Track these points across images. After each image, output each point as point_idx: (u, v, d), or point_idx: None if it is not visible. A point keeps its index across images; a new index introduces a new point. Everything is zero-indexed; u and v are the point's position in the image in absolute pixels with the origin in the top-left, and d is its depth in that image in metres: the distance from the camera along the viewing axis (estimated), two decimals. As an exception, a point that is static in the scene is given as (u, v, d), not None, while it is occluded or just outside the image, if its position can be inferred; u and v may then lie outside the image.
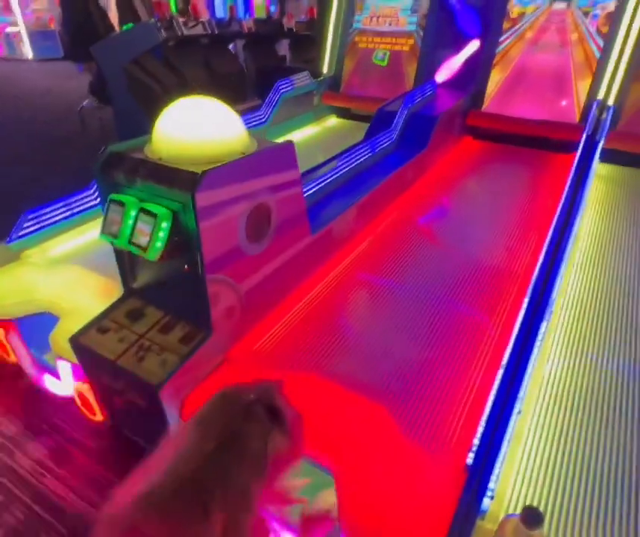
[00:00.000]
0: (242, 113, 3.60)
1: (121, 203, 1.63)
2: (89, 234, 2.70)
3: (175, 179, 1.56)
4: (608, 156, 3.34)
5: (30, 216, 2.46)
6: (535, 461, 1.45)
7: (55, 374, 2.24)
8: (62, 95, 8.86)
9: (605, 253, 2.53)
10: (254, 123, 4.12)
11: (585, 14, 3.92)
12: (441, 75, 4.42)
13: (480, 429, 1.41)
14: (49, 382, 2.27)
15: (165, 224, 1.55)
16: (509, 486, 1.39)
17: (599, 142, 2.93)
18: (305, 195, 2.21)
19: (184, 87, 6.25)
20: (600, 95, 3.64)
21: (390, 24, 4.78)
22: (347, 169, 2.91)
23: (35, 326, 2.32)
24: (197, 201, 1.49)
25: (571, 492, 1.36)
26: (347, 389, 1.68)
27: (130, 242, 1.60)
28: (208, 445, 0.78)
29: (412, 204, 3.20)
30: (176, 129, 1.65)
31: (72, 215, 2.64)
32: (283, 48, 8.87)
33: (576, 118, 3.83)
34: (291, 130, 4.52)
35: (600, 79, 3.63)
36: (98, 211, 2.77)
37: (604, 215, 2.92)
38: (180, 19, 6.74)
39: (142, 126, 4.93)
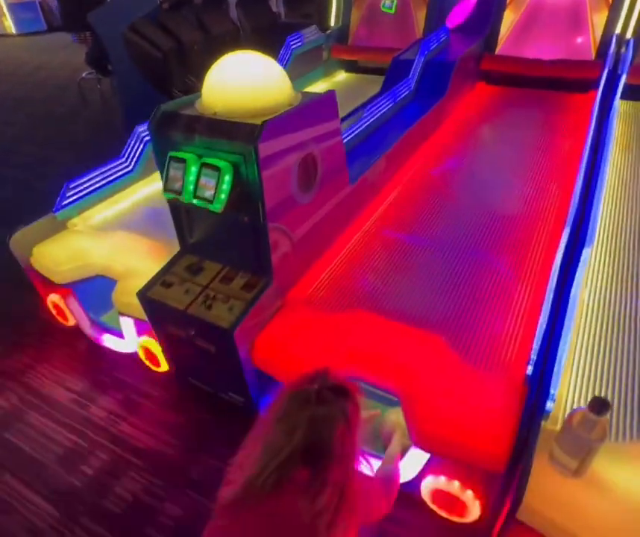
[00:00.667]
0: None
1: (182, 160, 1.70)
2: (126, 201, 2.77)
3: (235, 132, 1.62)
4: (626, 93, 3.35)
5: (71, 186, 2.52)
6: (585, 368, 1.59)
7: (114, 333, 2.37)
8: (54, 69, 8.67)
9: (634, 189, 2.59)
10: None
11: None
12: (453, 19, 4.36)
13: (536, 344, 1.53)
14: (109, 341, 2.40)
15: (228, 176, 1.62)
16: (565, 393, 1.52)
17: (621, 76, 2.95)
18: (341, 145, 2.27)
19: (181, 50, 6.13)
20: (618, 30, 3.62)
21: (397, -30, 4.67)
22: (373, 120, 2.95)
23: (89, 291, 2.43)
24: (259, 151, 1.56)
25: (620, 390, 1.50)
26: (402, 323, 1.80)
27: (195, 196, 1.67)
28: (296, 433, 0.88)
29: (434, 153, 3.24)
30: (229, 84, 1.70)
31: (108, 183, 2.70)
32: (277, 3, 8.62)
33: (593, 55, 3.82)
34: (302, 87, 4.49)
35: (618, 12, 3.60)
36: (131, 178, 2.83)
37: (628, 152, 2.95)
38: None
39: (145, 92, 4.90)
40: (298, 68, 4.37)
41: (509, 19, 4.19)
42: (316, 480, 0.88)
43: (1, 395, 2.27)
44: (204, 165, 1.65)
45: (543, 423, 1.39)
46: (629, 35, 3.56)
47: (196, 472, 1.89)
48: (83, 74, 6.89)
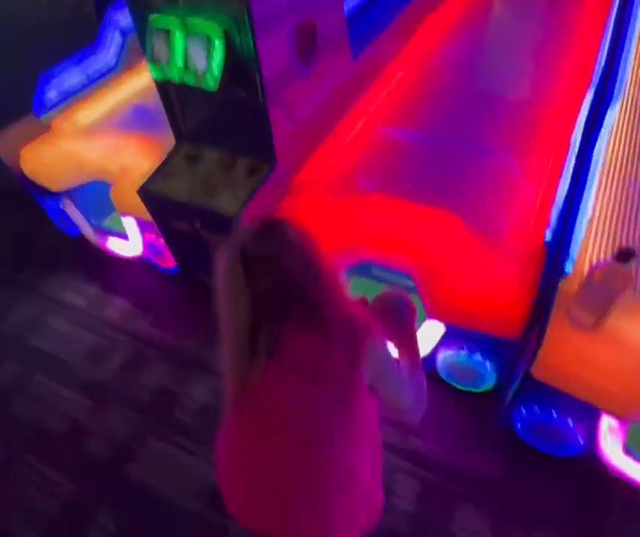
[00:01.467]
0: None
1: (165, 30, 1.53)
2: (112, 98, 2.59)
3: (223, -10, 1.44)
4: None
5: (50, 85, 2.33)
6: (605, 232, 1.53)
7: (119, 235, 2.33)
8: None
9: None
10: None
11: None
12: None
13: (556, 208, 1.46)
14: (115, 245, 2.37)
15: (218, 43, 1.46)
16: (584, 255, 1.48)
17: None
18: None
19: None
20: None
21: None
22: (374, -11, 2.65)
23: (87, 196, 2.35)
24: (253, 11, 1.39)
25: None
26: (418, 204, 1.72)
27: (185, 73, 1.53)
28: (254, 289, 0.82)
29: (440, 32, 2.95)
30: None
31: (90, 80, 2.50)
32: None
33: None
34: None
35: None
36: (115, 75, 2.62)
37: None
38: None
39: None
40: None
41: None
42: (310, 317, 0.82)
43: (19, 305, 2.30)
44: (190, 32, 1.49)
45: (561, 284, 1.37)
46: None
47: (214, 360, 1.94)
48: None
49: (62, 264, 2.47)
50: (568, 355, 1.31)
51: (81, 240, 2.50)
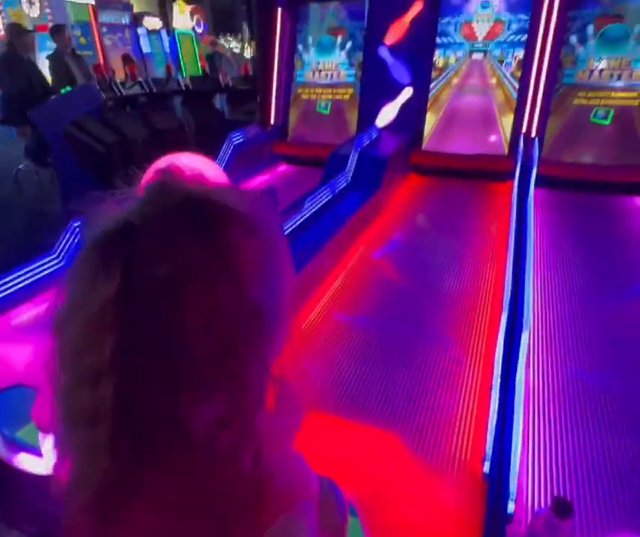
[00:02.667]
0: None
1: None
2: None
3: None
4: (539, 182, 3.76)
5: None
6: (540, 461, 1.58)
7: (31, 451, 2.07)
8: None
9: (557, 269, 2.81)
10: (210, 175, 4.18)
11: (500, 62, 4.48)
12: (382, 120, 4.80)
13: (490, 438, 1.51)
14: (25, 462, 2.09)
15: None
16: (524, 488, 1.49)
17: (532, 169, 3.32)
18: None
19: (125, 144, 6.22)
20: (524, 129, 4.14)
21: (331, 77, 5.15)
22: (314, 211, 3.06)
23: (3, 402, 2.15)
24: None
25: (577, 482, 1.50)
26: (357, 422, 1.73)
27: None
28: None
29: (375, 238, 3.39)
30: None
31: (37, 281, 2.51)
32: (220, 102, 9.12)
33: (505, 150, 4.30)
34: (245, 179, 4.64)
35: (521, 115, 4.15)
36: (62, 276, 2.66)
37: (551, 235, 3.25)
38: (119, 81, 6.77)
39: (86, 185, 4.83)
40: (241, 162, 4.54)
41: (431, 120, 4.67)
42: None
43: None
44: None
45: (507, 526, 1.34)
46: (533, 134, 4.08)
47: None
48: (21, 166, 6.71)
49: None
50: None
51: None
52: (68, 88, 5.70)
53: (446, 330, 2.30)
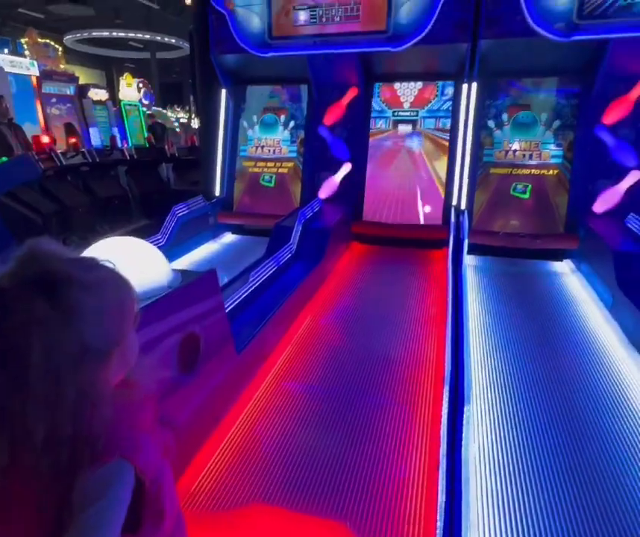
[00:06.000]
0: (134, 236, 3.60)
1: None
2: None
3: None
4: (471, 249, 4.05)
5: None
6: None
7: None
8: None
9: (494, 330, 2.98)
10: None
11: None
12: (324, 192, 5.04)
13: (440, 523, 1.50)
14: None
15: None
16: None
17: (464, 239, 3.57)
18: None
19: (64, 213, 6.03)
20: (454, 202, 4.49)
21: (274, 152, 5.37)
22: (258, 284, 3.07)
23: None
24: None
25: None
26: (305, 514, 1.66)
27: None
28: None
29: (320, 306, 3.43)
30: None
31: None
32: (167, 172, 9.13)
33: (440, 221, 4.62)
34: (191, 249, 4.61)
35: (451, 189, 4.52)
36: None
37: (484, 298, 3.47)
38: (60, 151, 6.65)
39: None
40: (186, 233, 4.52)
41: (371, 192, 4.96)
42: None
43: None
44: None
45: None
46: (463, 206, 4.43)
47: None
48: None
49: None
50: None
51: None
52: (4, 159, 5.52)
53: (392, 396, 2.34)
